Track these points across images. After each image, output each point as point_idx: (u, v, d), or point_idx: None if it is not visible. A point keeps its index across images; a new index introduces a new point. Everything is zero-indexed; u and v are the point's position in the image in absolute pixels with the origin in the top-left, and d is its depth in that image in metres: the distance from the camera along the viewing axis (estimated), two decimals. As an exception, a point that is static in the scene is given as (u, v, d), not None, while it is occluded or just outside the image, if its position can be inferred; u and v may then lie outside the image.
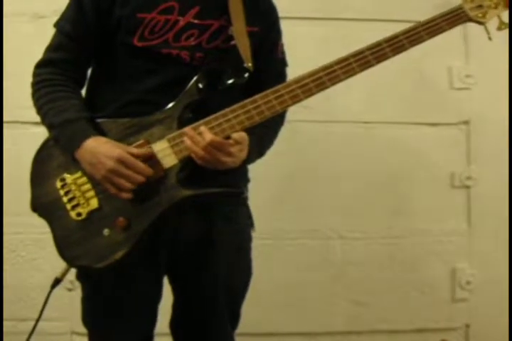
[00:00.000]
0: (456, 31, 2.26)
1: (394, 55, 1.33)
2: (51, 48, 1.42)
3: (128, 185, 1.29)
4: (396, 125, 2.32)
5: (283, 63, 1.55)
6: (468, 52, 2.31)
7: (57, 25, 1.42)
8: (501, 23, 1.39)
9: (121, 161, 1.28)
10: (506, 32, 2.30)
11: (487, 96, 2.31)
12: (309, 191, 2.29)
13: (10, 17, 2.15)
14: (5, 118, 2.11)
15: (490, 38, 1.39)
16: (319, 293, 2.31)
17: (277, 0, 2.23)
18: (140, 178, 1.29)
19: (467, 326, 2.37)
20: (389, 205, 2.33)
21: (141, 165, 1.29)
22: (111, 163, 1.28)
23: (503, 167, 2.30)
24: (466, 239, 2.35)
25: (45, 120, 1.38)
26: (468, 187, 2.34)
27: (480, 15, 1.36)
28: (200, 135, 1.28)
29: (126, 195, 1.30)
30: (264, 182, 2.11)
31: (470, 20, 1.37)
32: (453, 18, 1.35)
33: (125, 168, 1.28)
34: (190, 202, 1.36)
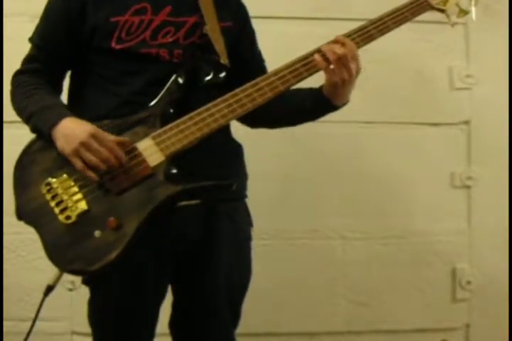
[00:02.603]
0: (457, 31, 2.28)
1: (364, 44, 1.37)
2: (26, 60, 1.47)
3: (95, 160, 1.29)
4: (396, 125, 2.32)
5: (262, 58, 1.59)
6: (469, 52, 2.31)
7: (31, 38, 1.46)
8: (460, 10, 1.43)
9: (94, 136, 1.29)
10: (506, 32, 2.31)
11: (487, 96, 2.31)
12: (310, 191, 2.29)
13: (10, 17, 2.16)
14: (5, 118, 2.11)
15: (452, 25, 1.44)
16: (319, 293, 2.31)
17: (278, 0, 2.25)
18: (109, 156, 1.29)
19: (467, 326, 2.37)
20: (389, 205, 2.33)
21: (113, 144, 1.30)
22: (84, 136, 1.29)
23: (503, 167, 2.30)
24: (467, 239, 2.35)
25: (24, 114, 1.39)
26: (468, 187, 2.34)
27: (441, 3, 1.40)
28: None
29: (91, 174, 1.30)
30: (264, 182, 2.12)
31: (432, 8, 1.40)
32: (416, 7, 1.39)
33: (96, 143, 1.29)
34: (183, 198, 1.37)
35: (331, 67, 1.34)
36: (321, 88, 1.42)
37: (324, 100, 1.41)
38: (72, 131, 1.30)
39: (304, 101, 1.46)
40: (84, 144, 1.29)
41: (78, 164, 1.31)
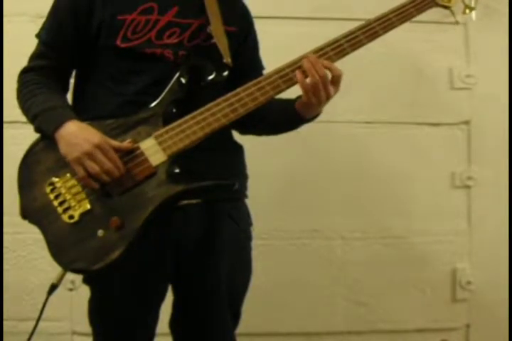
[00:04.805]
0: (457, 31, 2.29)
1: (368, 42, 1.37)
2: (33, 57, 1.46)
3: (97, 169, 1.29)
4: (396, 125, 2.32)
5: (262, 66, 1.59)
6: (469, 52, 2.31)
7: (38, 35, 1.46)
8: (466, 7, 1.42)
9: (99, 147, 1.29)
10: (506, 32, 2.31)
11: (487, 96, 2.31)
12: (310, 191, 2.29)
13: (10, 17, 2.16)
14: (5, 118, 2.11)
15: (457, 22, 1.43)
16: (319, 293, 2.31)
17: (278, 0, 2.25)
18: (112, 168, 1.30)
19: (467, 326, 2.37)
20: (389, 205, 2.33)
21: (115, 155, 1.31)
22: (89, 146, 1.29)
23: (503, 167, 2.30)
24: (467, 239, 2.35)
25: (29, 114, 1.38)
26: (468, 187, 2.34)
27: None
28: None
29: (91, 183, 1.31)
30: (264, 182, 2.12)
31: (437, 5, 1.40)
32: (421, 4, 1.38)
33: (100, 154, 1.29)
34: (185, 198, 1.37)
35: (311, 87, 1.33)
36: (294, 101, 1.43)
37: (295, 114, 1.43)
38: (76, 138, 1.31)
39: (279, 112, 1.48)
40: (88, 154, 1.29)
41: (80, 172, 1.31)
